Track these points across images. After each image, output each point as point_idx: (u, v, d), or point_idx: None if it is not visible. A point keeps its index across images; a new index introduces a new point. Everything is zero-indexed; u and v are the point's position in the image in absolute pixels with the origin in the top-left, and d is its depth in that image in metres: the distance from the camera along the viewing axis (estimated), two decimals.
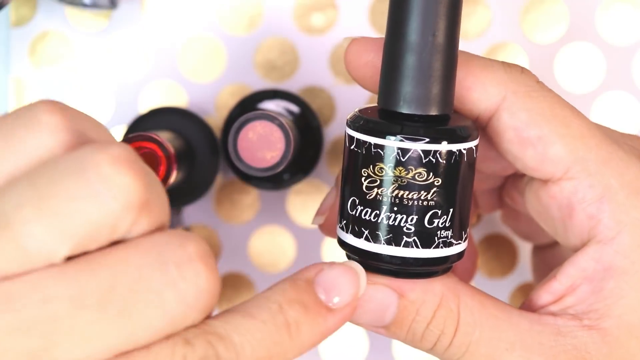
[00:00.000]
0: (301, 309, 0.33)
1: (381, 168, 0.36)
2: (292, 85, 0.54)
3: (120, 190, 0.29)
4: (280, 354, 0.32)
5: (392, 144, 0.35)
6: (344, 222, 0.37)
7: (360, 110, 0.37)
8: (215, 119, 0.53)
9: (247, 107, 0.50)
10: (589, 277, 0.37)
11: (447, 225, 0.36)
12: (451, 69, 0.36)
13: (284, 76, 0.54)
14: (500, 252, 0.55)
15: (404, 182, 0.35)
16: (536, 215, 0.40)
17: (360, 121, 0.36)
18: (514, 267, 0.55)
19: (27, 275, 0.28)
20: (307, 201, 0.54)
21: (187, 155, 0.49)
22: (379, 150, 0.35)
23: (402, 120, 0.36)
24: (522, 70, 0.38)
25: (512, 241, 0.55)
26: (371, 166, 0.36)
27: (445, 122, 0.36)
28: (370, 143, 0.36)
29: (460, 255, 0.37)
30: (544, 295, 0.38)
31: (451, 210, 0.36)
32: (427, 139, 0.35)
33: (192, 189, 0.50)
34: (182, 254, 0.30)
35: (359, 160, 0.36)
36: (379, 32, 0.54)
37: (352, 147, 0.36)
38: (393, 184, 0.35)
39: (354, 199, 0.36)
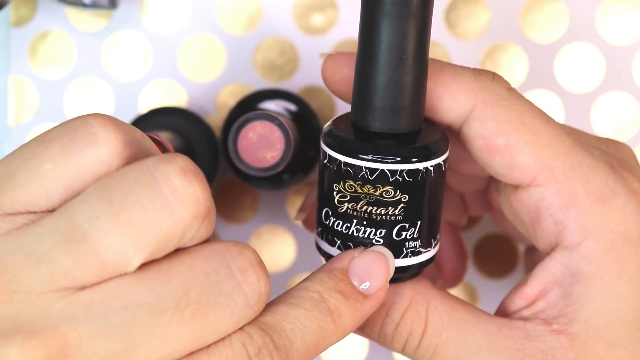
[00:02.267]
0: (340, 296, 0.35)
1: (351, 185, 0.37)
2: (292, 85, 0.54)
3: (190, 201, 0.30)
4: (326, 338, 0.34)
5: (360, 163, 0.37)
6: (319, 229, 0.39)
7: (333, 122, 0.38)
8: (215, 119, 0.53)
9: (247, 107, 0.50)
10: (558, 281, 0.38)
11: (415, 236, 0.38)
12: (420, 87, 0.37)
13: (284, 76, 0.54)
14: (500, 252, 0.55)
15: (372, 198, 0.37)
16: (511, 218, 0.41)
17: (332, 137, 0.37)
18: (514, 267, 0.56)
19: (105, 284, 0.30)
20: None
21: (187, 155, 0.49)
22: (348, 168, 0.37)
23: (372, 139, 0.37)
24: (493, 77, 0.38)
25: (512, 241, 0.55)
26: (342, 182, 0.37)
27: (414, 139, 0.37)
28: (340, 161, 0.37)
29: (429, 261, 0.39)
30: (517, 300, 0.39)
31: (419, 222, 0.37)
32: (395, 159, 0.36)
33: None
34: (243, 260, 0.32)
35: (331, 175, 0.37)
36: None
37: (324, 162, 0.38)
38: (362, 200, 0.37)
39: (327, 210, 0.38)
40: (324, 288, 0.35)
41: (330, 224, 0.38)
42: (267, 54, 0.54)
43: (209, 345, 0.31)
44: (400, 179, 0.36)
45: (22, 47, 0.54)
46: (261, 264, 0.32)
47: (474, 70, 0.38)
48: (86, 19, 0.53)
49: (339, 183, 0.37)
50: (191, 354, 0.31)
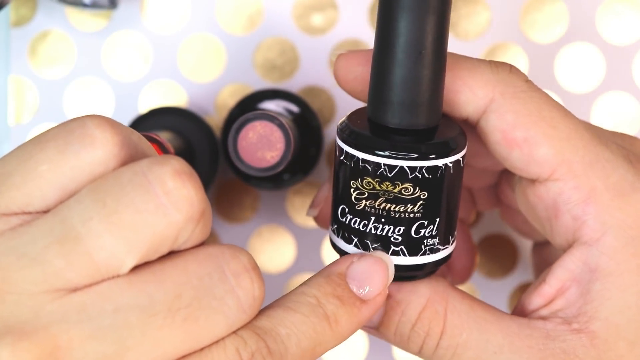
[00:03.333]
0: (337, 302, 0.34)
1: (369, 182, 0.37)
2: (292, 85, 0.54)
3: (184, 203, 0.30)
4: (323, 344, 0.34)
5: (378, 159, 0.36)
6: (335, 226, 0.38)
7: (349, 118, 0.38)
8: (215, 119, 0.53)
9: (247, 107, 0.50)
10: (577, 278, 0.38)
11: (433, 234, 0.37)
12: (439, 82, 0.36)
13: (284, 76, 0.54)
14: (500, 252, 0.55)
15: (391, 196, 0.36)
16: (526, 213, 0.40)
17: (348, 133, 0.37)
18: (514, 267, 0.55)
19: (97, 286, 0.30)
20: (307, 201, 0.54)
21: (187, 155, 0.49)
22: (366, 165, 0.36)
23: (389, 134, 0.36)
24: (511, 69, 0.38)
25: (512, 241, 0.55)
26: (359, 179, 0.37)
27: (432, 135, 0.37)
28: (358, 157, 0.36)
29: (446, 258, 0.38)
30: (535, 299, 0.39)
31: (437, 220, 0.37)
32: (413, 156, 0.36)
33: None
34: (237, 264, 0.32)
35: (347, 172, 0.37)
36: None
37: (341, 158, 0.37)
38: (380, 197, 0.36)
39: (343, 207, 0.37)
40: (321, 293, 0.35)
41: (347, 222, 0.37)
42: (267, 54, 0.54)
43: (202, 349, 0.31)
44: (420, 175, 0.36)
45: (22, 47, 0.54)
46: (255, 267, 0.32)
47: (491, 62, 0.38)
48: (86, 19, 0.53)
49: (356, 180, 0.37)
50: (184, 357, 0.31)
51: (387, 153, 0.36)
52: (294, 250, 0.55)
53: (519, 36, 0.54)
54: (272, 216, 0.55)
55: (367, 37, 0.54)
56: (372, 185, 0.37)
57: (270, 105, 0.50)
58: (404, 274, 0.38)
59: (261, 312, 0.33)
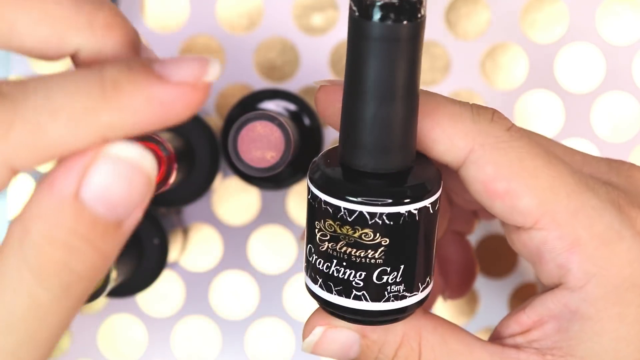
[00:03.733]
0: (123, 67, 0.28)
1: (330, 224, 0.35)
2: (292, 85, 0.54)
3: None
4: (89, 109, 0.27)
5: (339, 202, 0.35)
6: (305, 264, 0.38)
7: (322, 155, 0.37)
8: (215, 119, 0.53)
9: (247, 107, 0.50)
10: (556, 316, 0.38)
11: (397, 280, 0.36)
12: (410, 125, 0.35)
13: (284, 76, 0.54)
14: (500, 252, 0.55)
15: (352, 240, 0.35)
16: (516, 251, 0.40)
17: (315, 172, 0.36)
18: (514, 267, 0.55)
19: None
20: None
21: (187, 155, 0.49)
22: (327, 207, 0.35)
23: (356, 178, 0.35)
24: (493, 117, 0.37)
25: None
26: (322, 221, 0.36)
27: (400, 180, 0.35)
28: (321, 199, 0.35)
29: (418, 303, 0.37)
30: (512, 324, 0.39)
31: (402, 267, 0.36)
32: (373, 201, 0.35)
33: (192, 189, 0.50)
34: None
35: (313, 213, 0.36)
36: None
37: (308, 197, 0.36)
38: (341, 240, 0.35)
39: (310, 247, 0.37)
40: (110, 63, 0.28)
41: (313, 261, 0.37)
42: (267, 54, 0.54)
43: None
44: (380, 221, 0.35)
45: None
46: None
47: (473, 108, 0.37)
48: None
49: (319, 221, 0.36)
50: None
51: (348, 197, 0.35)
52: (294, 250, 0.55)
53: (519, 36, 0.54)
54: (272, 216, 0.55)
55: None
56: (333, 228, 0.35)
57: (270, 105, 0.50)
58: (375, 320, 0.37)
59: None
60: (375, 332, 0.38)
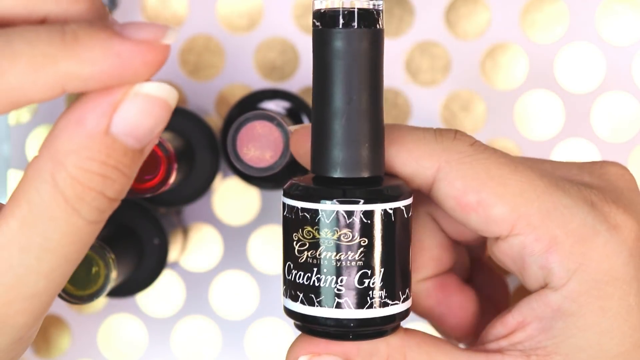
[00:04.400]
0: (84, 23, 0.30)
1: (309, 231, 0.36)
2: (292, 85, 0.54)
3: None
4: (49, 56, 0.29)
5: (316, 206, 0.36)
6: (284, 287, 0.38)
7: (296, 178, 0.38)
8: (215, 119, 0.53)
9: (247, 106, 0.50)
10: (539, 316, 0.38)
11: (379, 285, 0.36)
12: (376, 129, 0.36)
13: (284, 76, 0.54)
14: None
15: (331, 243, 0.36)
16: (501, 265, 0.40)
17: (289, 186, 0.37)
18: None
19: None
20: None
21: (187, 155, 0.49)
22: (305, 213, 0.36)
23: (329, 183, 0.36)
24: (455, 135, 0.38)
25: None
26: (300, 229, 0.36)
27: (373, 183, 0.37)
28: (297, 207, 0.36)
29: (403, 314, 0.37)
30: (498, 327, 0.39)
31: (382, 270, 0.36)
32: (349, 200, 0.36)
33: (192, 189, 0.50)
34: None
35: (290, 225, 0.37)
36: None
37: (284, 214, 0.37)
38: (320, 245, 0.36)
39: (289, 264, 0.37)
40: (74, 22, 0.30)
41: (292, 278, 0.37)
42: (267, 54, 0.54)
43: None
44: (357, 219, 0.36)
45: None
46: None
47: (435, 131, 0.38)
48: None
49: (297, 231, 0.36)
50: None
51: (324, 199, 0.36)
52: None
53: (519, 36, 0.54)
54: (272, 216, 0.55)
55: None
56: (312, 234, 0.36)
57: (270, 105, 0.50)
58: (360, 331, 0.37)
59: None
60: (359, 356, 0.38)
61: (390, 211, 0.36)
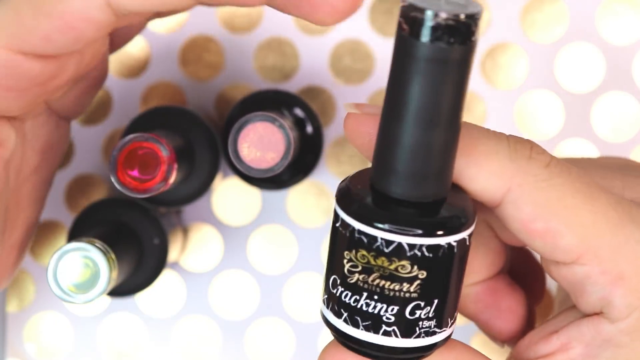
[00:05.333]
0: None
1: (363, 255, 0.34)
2: (292, 85, 0.54)
3: None
4: None
5: (376, 232, 0.33)
6: (326, 296, 0.36)
7: (351, 179, 0.35)
8: (215, 119, 0.53)
9: (248, 107, 0.50)
10: (587, 342, 0.37)
11: (430, 316, 0.34)
12: (451, 153, 0.33)
13: (284, 76, 0.54)
14: None
15: (386, 272, 0.33)
16: (553, 278, 0.39)
17: (346, 198, 0.34)
18: None
19: None
20: (307, 201, 0.54)
21: (187, 155, 0.49)
22: (362, 236, 0.33)
23: (390, 205, 0.33)
24: (531, 153, 0.35)
25: None
26: (354, 251, 0.34)
27: (438, 210, 0.34)
28: (354, 227, 0.33)
29: (445, 340, 0.36)
30: (541, 345, 0.38)
31: (436, 301, 0.34)
32: (413, 232, 0.33)
33: (192, 189, 0.50)
34: None
35: (343, 242, 0.34)
36: (378, 32, 0.54)
37: (337, 225, 0.34)
38: (375, 272, 0.34)
39: (335, 278, 0.35)
40: None
41: (338, 294, 0.34)
42: (267, 54, 0.54)
43: None
44: (419, 253, 0.33)
45: None
46: None
47: (510, 144, 0.35)
48: None
49: (350, 251, 0.34)
50: None
51: (385, 226, 0.33)
52: (294, 250, 0.55)
53: (519, 36, 0.54)
54: (273, 216, 0.55)
55: (367, 37, 0.54)
56: (366, 259, 0.33)
57: (271, 106, 0.50)
58: (401, 357, 0.35)
59: None
60: None
61: (455, 243, 0.34)
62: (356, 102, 0.35)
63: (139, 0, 0.31)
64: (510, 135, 0.36)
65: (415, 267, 0.33)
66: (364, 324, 0.34)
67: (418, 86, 0.31)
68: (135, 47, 0.53)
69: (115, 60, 0.54)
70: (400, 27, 0.31)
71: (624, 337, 0.36)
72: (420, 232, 0.33)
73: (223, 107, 0.54)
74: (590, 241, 0.35)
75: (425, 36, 0.30)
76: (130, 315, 0.55)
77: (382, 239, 0.33)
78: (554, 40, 0.54)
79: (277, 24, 0.54)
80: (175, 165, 0.42)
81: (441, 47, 0.30)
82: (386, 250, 0.33)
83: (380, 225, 0.33)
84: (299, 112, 0.50)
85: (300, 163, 0.50)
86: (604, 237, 0.36)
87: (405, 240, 0.33)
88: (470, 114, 0.54)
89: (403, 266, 0.33)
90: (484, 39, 0.54)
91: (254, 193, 0.55)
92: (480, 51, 0.54)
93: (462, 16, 0.30)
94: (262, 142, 0.41)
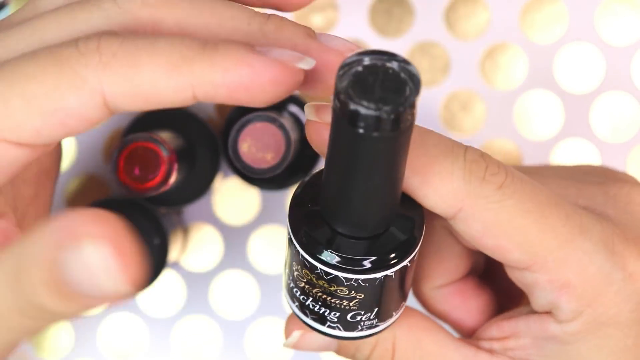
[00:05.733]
0: (227, 41, 0.31)
1: (307, 273, 0.35)
2: None
3: None
4: (187, 58, 0.31)
5: (316, 263, 0.34)
6: (284, 278, 0.38)
7: (305, 187, 0.36)
8: (215, 119, 0.53)
9: (248, 107, 0.50)
10: (534, 335, 0.39)
11: (371, 318, 0.36)
12: (392, 202, 0.34)
13: None
14: None
15: (327, 291, 0.35)
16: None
17: (296, 220, 0.35)
18: None
19: None
20: None
21: (187, 155, 0.49)
22: (305, 261, 0.35)
23: (333, 240, 0.34)
24: (485, 174, 0.36)
25: None
26: (300, 266, 0.35)
27: (379, 244, 0.35)
28: (299, 251, 0.35)
29: (389, 326, 0.38)
30: (494, 329, 0.40)
31: (376, 309, 0.36)
32: (349, 269, 0.34)
33: (192, 189, 0.50)
34: None
35: (292, 253, 0.35)
36: (379, 33, 0.54)
37: (288, 233, 0.35)
38: (317, 288, 0.35)
39: (288, 273, 0.36)
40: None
41: (290, 287, 0.37)
42: None
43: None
44: (356, 284, 0.34)
45: None
46: None
47: (466, 163, 0.36)
48: None
49: (297, 265, 0.35)
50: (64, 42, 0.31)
51: (323, 256, 0.34)
52: None
53: (518, 36, 0.54)
54: (272, 216, 0.55)
55: (367, 37, 0.54)
56: (310, 277, 0.35)
57: (271, 106, 0.50)
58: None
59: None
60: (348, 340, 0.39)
61: (392, 274, 0.35)
62: (317, 104, 0.35)
63: (136, 102, 0.31)
64: (467, 149, 0.36)
65: (353, 292, 0.35)
66: (311, 317, 0.36)
67: (354, 161, 0.31)
68: None
69: None
70: (333, 104, 0.30)
71: (568, 337, 0.38)
72: (357, 269, 0.34)
73: (223, 107, 0.54)
74: (538, 256, 0.37)
75: (355, 124, 0.30)
76: (131, 315, 0.55)
77: (321, 269, 0.34)
78: (554, 41, 0.54)
79: None
80: (176, 166, 0.42)
81: (370, 135, 0.30)
82: (325, 278, 0.35)
83: (321, 255, 0.34)
84: (299, 112, 0.50)
85: (300, 163, 0.50)
86: (552, 253, 0.37)
87: (342, 275, 0.34)
88: (470, 114, 0.54)
89: (342, 290, 0.35)
90: (484, 39, 0.54)
91: (254, 193, 0.55)
92: (479, 51, 0.54)
93: (386, 115, 0.29)
94: (262, 142, 0.41)
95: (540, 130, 0.54)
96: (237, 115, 0.50)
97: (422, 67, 0.54)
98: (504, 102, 0.54)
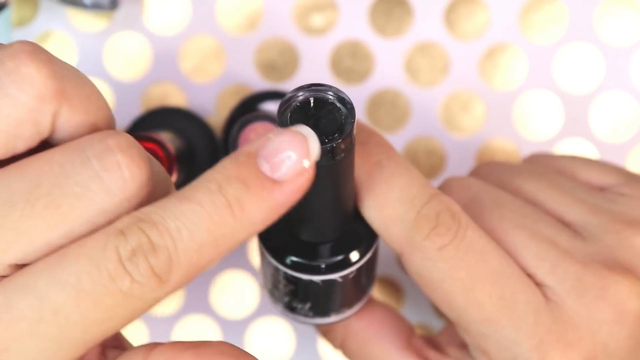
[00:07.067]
0: (241, 185, 0.31)
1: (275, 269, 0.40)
2: (292, 85, 0.54)
3: (24, 80, 0.29)
4: (227, 235, 0.31)
5: (270, 260, 0.40)
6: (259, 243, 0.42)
7: None
8: (215, 119, 0.53)
9: (248, 107, 0.50)
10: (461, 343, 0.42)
11: (306, 310, 0.41)
12: (344, 218, 0.38)
13: (284, 76, 0.54)
14: None
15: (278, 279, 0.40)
16: None
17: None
18: None
19: None
20: None
21: (187, 155, 0.49)
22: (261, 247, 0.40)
23: (288, 243, 0.39)
24: (430, 232, 0.37)
25: None
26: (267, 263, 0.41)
27: (330, 250, 0.39)
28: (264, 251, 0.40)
29: (328, 323, 0.43)
30: (444, 336, 0.44)
31: (308, 303, 0.40)
32: (295, 276, 0.39)
33: None
34: (101, 147, 0.30)
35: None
36: (378, 33, 0.54)
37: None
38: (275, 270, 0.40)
39: (260, 249, 0.41)
40: (224, 176, 0.31)
41: (261, 260, 0.41)
42: (267, 54, 0.54)
43: (80, 238, 0.30)
44: (291, 278, 0.39)
45: None
46: (125, 148, 0.30)
47: (419, 217, 0.37)
48: (87, 19, 0.54)
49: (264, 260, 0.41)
50: (60, 248, 0.30)
51: (267, 255, 0.39)
52: None
53: (518, 36, 0.54)
54: None
55: (367, 37, 0.54)
56: (274, 271, 0.40)
57: (271, 106, 0.50)
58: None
59: (157, 201, 0.30)
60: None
61: (319, 281, 0.39)
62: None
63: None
64: (429, 203, 0.37)
65: (288, 282, 0.40)
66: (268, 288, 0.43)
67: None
68: (136, 48, 0.54)
69: (116, 61, 0.54)
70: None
71: None
72: (289, 266, 0.39)
73: (223, 107, 0.54)
74: (462, 321, 0.38)
75: None
76: None
77: (273, 266, 0.40)
78: (553, 41, 0.54)
79: (277, 24, 0.54)
80: (176, 166, 0.42)
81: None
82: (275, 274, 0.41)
83: (265, 253, 0.40)
84: None
85: None
86: (474, 324, 0.38)
87: (282, 269, 0.40)
88: (470, 114, 0.54)
89: (285, 284, 0.40)
90: (484, 39, 0.54)
91: None
92: (479, 52, 0.54)
93: (316, 153, 0.32)
94: None
95: (540, 130, 0.54)
96: (237, 115, 0.50)
97: (422, 67, 0.54)
98: (504, 102, 0.54)
